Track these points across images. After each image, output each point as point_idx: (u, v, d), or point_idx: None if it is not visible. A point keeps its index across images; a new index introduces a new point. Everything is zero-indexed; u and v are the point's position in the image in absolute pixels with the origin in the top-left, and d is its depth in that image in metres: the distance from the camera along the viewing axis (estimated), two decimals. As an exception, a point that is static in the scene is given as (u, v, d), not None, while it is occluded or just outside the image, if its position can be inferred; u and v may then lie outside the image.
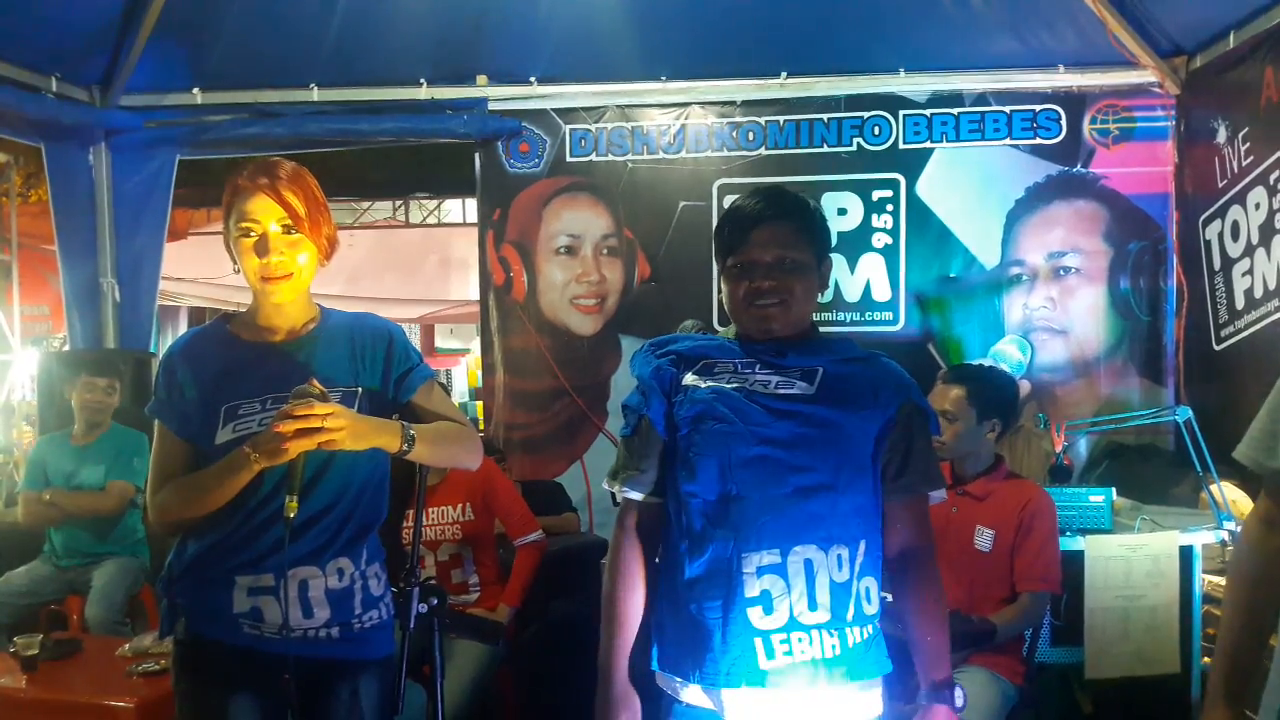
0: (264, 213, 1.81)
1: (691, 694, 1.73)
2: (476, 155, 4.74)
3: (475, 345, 6.59)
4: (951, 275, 4.40)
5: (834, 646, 1.69)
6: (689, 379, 1.78)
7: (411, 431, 1.81)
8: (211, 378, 1.85)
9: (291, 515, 1.72)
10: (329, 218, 1.91)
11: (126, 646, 2.96)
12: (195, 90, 4.66)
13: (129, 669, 2.78)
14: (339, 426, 1.69)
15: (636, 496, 1.80)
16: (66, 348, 4.94)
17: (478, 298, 4.90)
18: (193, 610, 1.86)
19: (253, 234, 1.81)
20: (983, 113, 4.41)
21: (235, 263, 1.86)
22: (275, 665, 1.80)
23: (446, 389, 2.23)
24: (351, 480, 1.87)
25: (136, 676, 2.74)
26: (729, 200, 4.54)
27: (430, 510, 3.26)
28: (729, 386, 1.74)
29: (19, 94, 4.22)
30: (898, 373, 1.80)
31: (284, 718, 1.85)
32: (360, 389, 1.88)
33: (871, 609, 1.74)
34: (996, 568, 2.70)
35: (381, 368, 1.91)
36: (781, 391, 1.74)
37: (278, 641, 1.81)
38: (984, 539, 2.74)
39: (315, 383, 1.73)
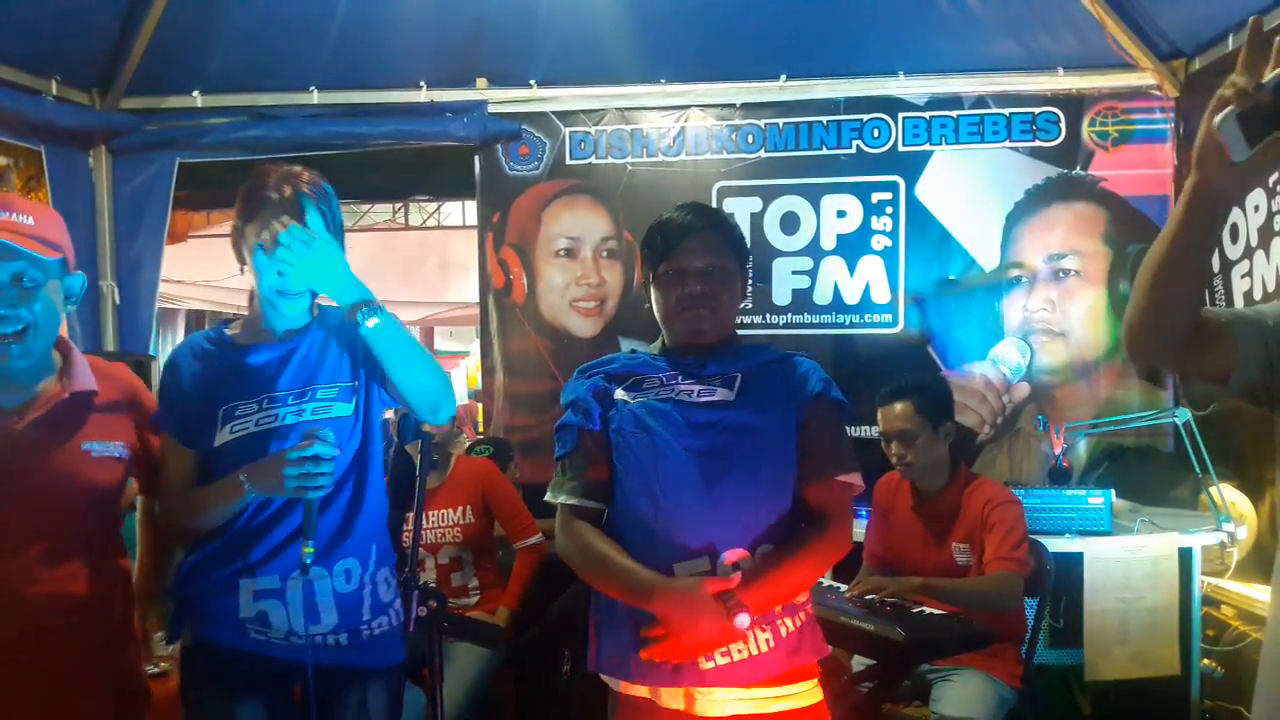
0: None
1: (632, 691, 1.78)
2: (476, 158, 4.74)
3: (475, 348, 6.58)
4: (951, 277, 4.40)
5: (768, 640, 1.74)
6: (619, 394, 1.85)
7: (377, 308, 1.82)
8: (209, 382, 1.87)
9: (308, 559, 1.75)
10: (340, 223, 1.94)
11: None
12: (195, 93, 4.65)
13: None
14: (326, 477, 1.74)
15: (578, 503, 1.84)
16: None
17: (477, 300, 4.90)
18: (199, 614, 1.87)
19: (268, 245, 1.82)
20: (982, 115, 4.41)
21: (246, 267, 1.88)
22: (282, 671, 1.81)
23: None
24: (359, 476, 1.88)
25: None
26: (729, 202, 4.55)
27: (430, 513, 3.27)
28: (655, 399, 1.81)
29: (18, 96, 4.21)
30: (812, 368, 1.88)
31: None
32: (356, 383, 1.88)
33: (802, 597, 1.81)
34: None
35: (375, 363, 1.92)
36: (703, 400, 1.80)
37: (283, 647, 1.81)
38: (961, 555, 2.76)
39: (316, 433, 1.76)
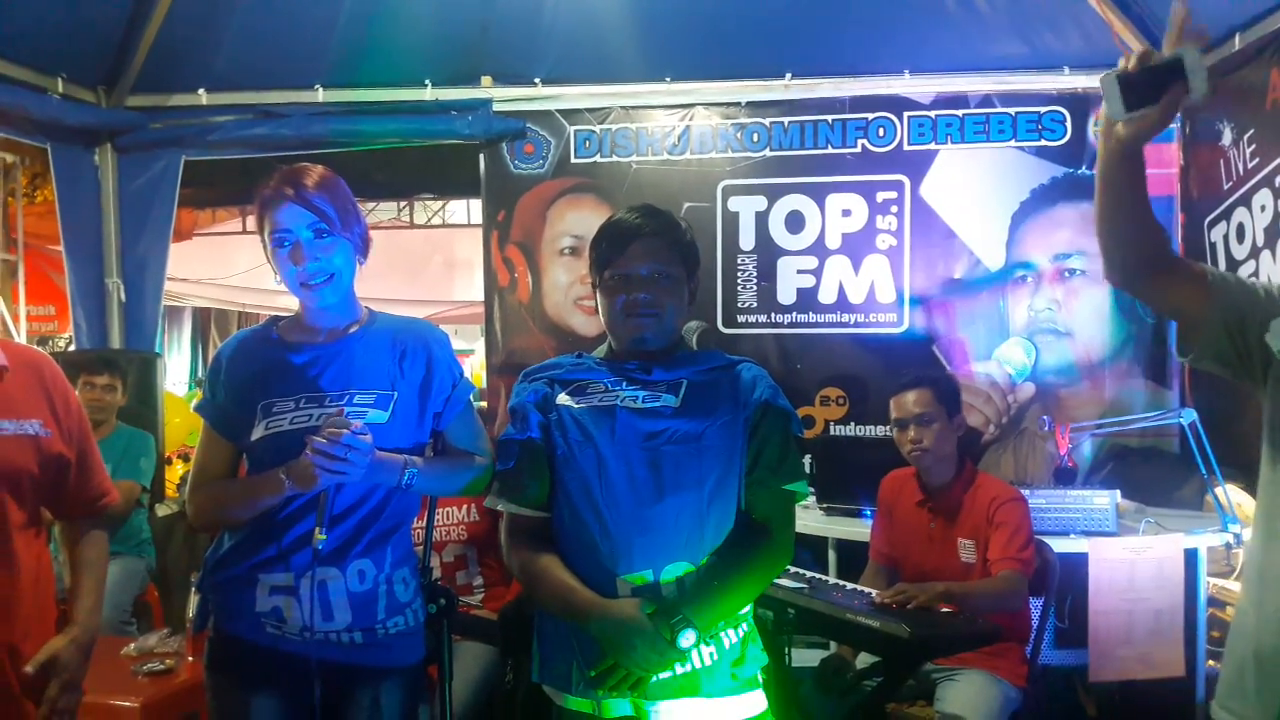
0: (295, 220, 1.83)
1: (573, 705, 1.77)
2: (481, 156, 4.74)
3: (480, 346, 6.58)
4: (956, 277, 4.40)
5: (711, 655, 1.73)
6: (562, 398, 1.83)
7: (411, 473, 1.83)
8: (251, 377, 1.88)
9: (319, 545, 1.74)
10: (361, 216, 1.94)
11: (132, 646, 2.96)
12: (200, 91, 4.67)
13: (134, 668, 2.79)
14: (358, 465, 1.73)
15: (518, 511, 1.83)
16: (73, 348, 4.95)
17: (482, 299, 4.90)
18: (220, 606, 1.88)
19: (287, 242, 1.83)
20: (988, 114, 4.41)
21: (276, 273, 1.88)
22: (297, 666, 1.81)
23: (481, 408, 2.25)
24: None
25: (142, 676, 2.74)
26: (734, 201, 4.54)
27: (436, 512, 3.26)
28: (600, 405, 1.79)
29: (24, 94, 4.22)
30: (758, 376, 1.85)
31: (307, 718, 1.85)
32: (396, 393, 1.88)
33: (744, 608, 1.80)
34: (984, 575, 2.70)
35: (421, 377, 1.92)
36: (648, 406, 1.78)
37: (298, 643, 1.81)
38: (966, 551, 2.75)
39: (344, 415, 1.76)
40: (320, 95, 4.64)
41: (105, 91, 4.62)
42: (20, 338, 5.84)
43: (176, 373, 9.46)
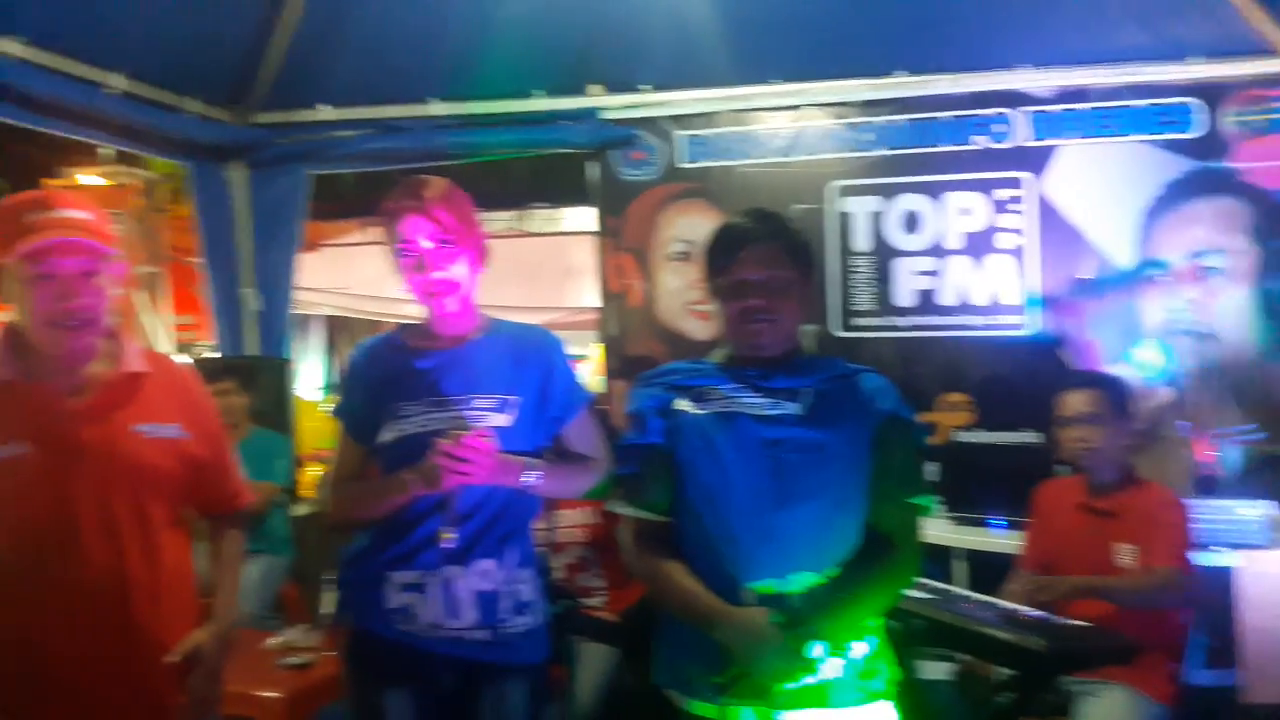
0: (418, 232, 1.90)
1: (697, 709, 1.76)
2: (591, 164, 4.78)
3: (593, 352, 6.65)
4: (1084, 277, 4.23)
5: (839, 666, 1.71)
6: (682, 404, 1.82)
7: (532, 475, 1.90)
8: (380, 382, 1.96)
9: (447, 545, 1.80)
10: (480, 226, 2.00)
11: (274, 640, 3.09)
12: (324, 107, 4.83)
13: (276, 661, 2.91)
14: (482, 467, 1.79)
15: (642, 516, 1.83)
16: (213, 355, 5.19)
17: (595, 305, 4.95)
18: (355, 602, 1.96)
19: (411, 253, 1.90)
20: (1114, 108, 4.23)
21: (401, 282, 1.95)
22: (427, 662, 1.88)
23: (598, 412, 2.29)
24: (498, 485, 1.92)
25: (284, 669, 2.86)
26: (846, 202, 4.48)
27: (557, 514, 3.31)
28: (721, 411, 1.78)
29: (164, 114, 4.45)
30: (882, 386, 1.82)
31: (439, 713, 1.92)
32: (516, 397, 1.93)
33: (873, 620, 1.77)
34: None
35: (540, 382, 1.97)
36: (770, 413, 1.76)
37: (427, 640, 1.88)
38: (1124, 556, 2.65)
39: (467, 419, 1.84)
40: (436, 108, 4.74)
41: (237, 110, 4.82)
42: (166, 347, 6.15)
43: (308, 379, 9.81)
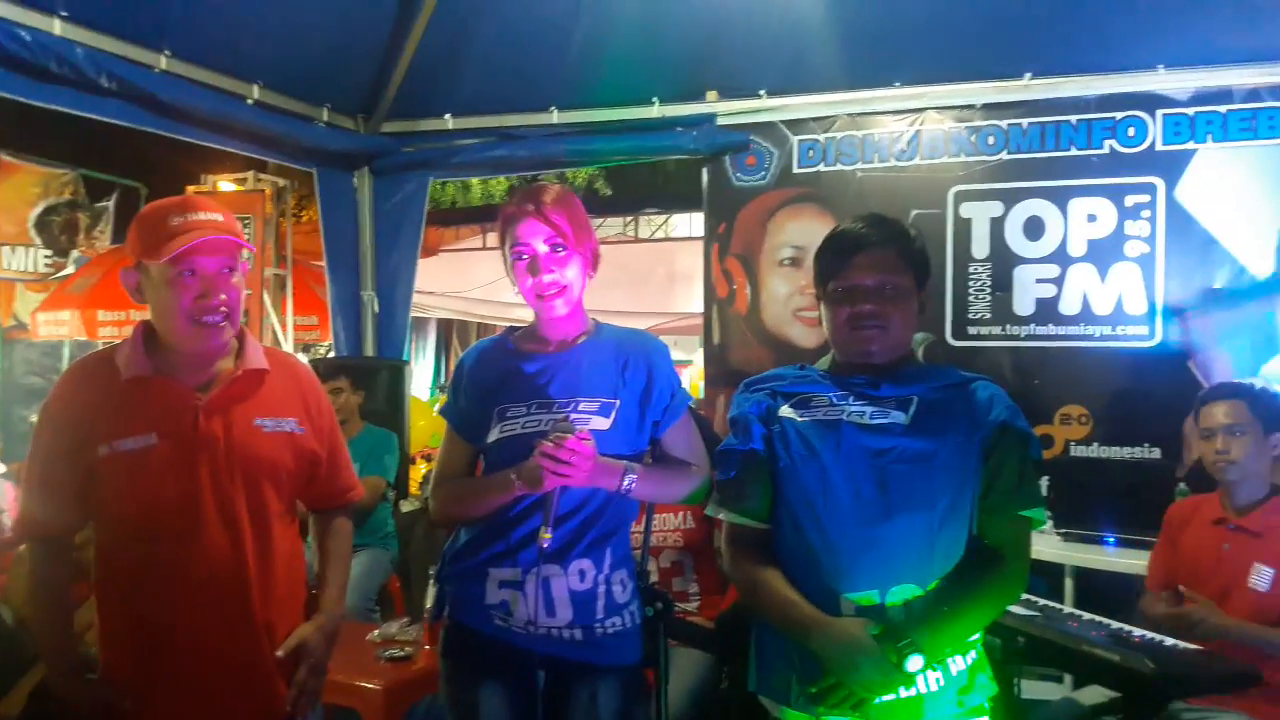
0: (533, 235, 1.94)
1: (791, 718, 1.74)
2: (704, 170, 4.79)
3: (698, 357, 6.65)
4: (1216, 286, 4.01)
5: (938, 680, 1.67)
6: (786, 411, 1.79)
7: (630, 478, 1.90)
8: (488, 383, 2.02)
9: (545, 544, 1.83)
10: (592, 232, 2.03)
11: (375, 632, 3.19)
12: (447, 116, 4.98)
13: (377, 653, 3.00)
14: (581, 469, 1.81)
15: (740, 522, 1.81)
16: (332, 354, 5.41)
17: (701, 310, 4.95)
18: (455, 597, 2.01)
19: (525, 256, 1.95)
20: (1255, 109, 4.00)
21: (514, 285, 2.00)
22: (522, 658, 1.92)
23: (699, 417, 2.30)
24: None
25: (384, 661, 2.95)
26: (966, 207, 4.36)
27: (653, 518, 3.32)
28: (825, 419, 1.75)
29: (295, 123, 4.67)
30: (995, 395, 1.76)
31: (533, 708, 1.95)
32: (618, 401, 1.95)
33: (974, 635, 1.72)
34: (1277, 609, 2.44)
35: (642, 386, 1.99)
36: (875, 422, 1.72)
37: (523, 636, 1.91)
38: (1262, 578, 2.50)
39: (569, 421, 1.86)
40: (555, 117, 4.82)
41: (364, 119, 5.02)
42: (288, 345, 6.45)
43: (422, 379, 10.14)
